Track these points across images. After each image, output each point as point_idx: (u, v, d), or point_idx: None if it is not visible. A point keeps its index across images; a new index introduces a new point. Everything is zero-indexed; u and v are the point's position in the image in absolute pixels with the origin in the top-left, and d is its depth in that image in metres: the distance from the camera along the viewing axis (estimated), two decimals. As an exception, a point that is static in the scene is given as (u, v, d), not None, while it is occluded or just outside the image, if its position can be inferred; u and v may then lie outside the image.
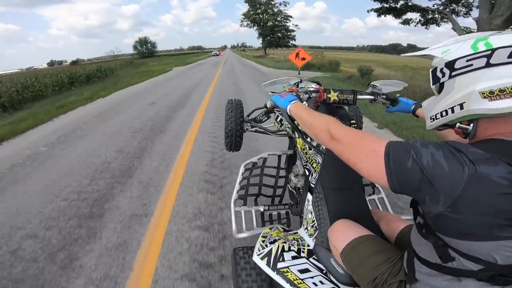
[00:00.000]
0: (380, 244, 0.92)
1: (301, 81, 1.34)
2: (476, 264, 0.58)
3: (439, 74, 0.64)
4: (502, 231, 0.53)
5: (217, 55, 57.83)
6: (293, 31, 49.69)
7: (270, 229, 1.32)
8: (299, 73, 12.35)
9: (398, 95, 1.29)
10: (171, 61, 36.72)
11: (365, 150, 0.64)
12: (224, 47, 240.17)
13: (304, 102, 1.14)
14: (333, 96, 1.15)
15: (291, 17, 50.07)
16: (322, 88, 1.19)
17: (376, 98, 1.27)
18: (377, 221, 1.13)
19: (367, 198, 1.37)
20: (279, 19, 49.29)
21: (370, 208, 1.19)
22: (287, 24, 49.65)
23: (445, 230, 0.60)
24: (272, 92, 1.26)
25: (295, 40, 49.82)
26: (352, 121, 1.22)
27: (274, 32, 49.48)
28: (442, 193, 0.54)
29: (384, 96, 1.27)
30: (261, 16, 49.27)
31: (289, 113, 0.99)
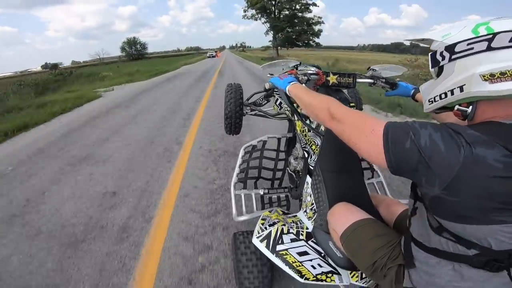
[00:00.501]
0: (380, 227, 0.92)
1: (300, 64, 1.32)
2: (471, 249, 0.59)
3: (438, 58, 0.64)
4: (497, 215, 0.53)
5: (214, 56, 47.94)
6: (319, 23, 35.31)
7: (270, 212, 1.33)
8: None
9: (398, 79, 1.28)
10: (147, 69, 20.64)
11: (365, 130, 0.64)
12: (223, 48, 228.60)
13: (303, 84, 1.12)
14: (332, 79, 1.15)
15: (314, 4, 34.91)
16: (322, 71, 1.18)
17: (375, 81, 1.26)
18: (375, 205, 1.13)
19: (366, 182, 1.37)
20: (298, 7, 34.86)
21: (369, 192, 1.19)
22: (307, 15, 35.50)
23: (441, 213, 0.61)
24: (271, 74, 1.24)
25: (319, 36, 36.33)
26: (351, 104, 1.20)
27: (294, 24, 35.11)
28: (438, 175, 0.54)
29: (384, 80, 1.26)
30: (273, 1, 34.65)
31: (288, 94, 0.98)
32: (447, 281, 0.65)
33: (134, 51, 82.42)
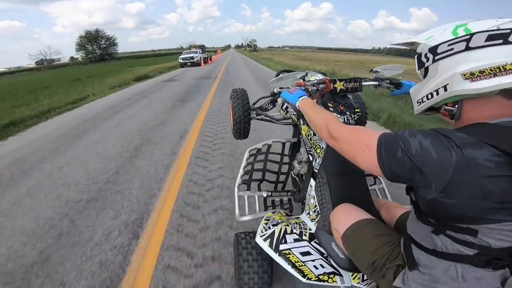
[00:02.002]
0: (381, 228, 0.94)
1: (306, 74, 1.35)
2: (470, 248, 0.61)
3: (423, 59, 0.68)
4: (494, 215, 0.55)
5: (197, 64, 21.44)
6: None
7: (273, 213, 1.35)
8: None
9: (400, 78, 1.31)
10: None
11: (360, 145, 0.68)
12: (228, 47, 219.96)
13: (312, 96, 1.16)
14: (339, 85, 1.19)
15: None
16: (328, 78, 1.22)
17: (380, 83, 1.30)
18: (377, 208, 1.15)
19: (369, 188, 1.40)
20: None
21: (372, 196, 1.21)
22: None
23: (439, 215, 0.62)
24: (281, 88, 1.28)
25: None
26: (356, 110, 1.25)
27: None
28: (433, 179, 0.56)
29: (388, 81, 1.30)
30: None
31: (298, 109, 1.02)
32: (449, 281, 0.66)
33: (98, 50, 58.83)
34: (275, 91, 1.35)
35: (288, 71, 1.72)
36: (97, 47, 58.67)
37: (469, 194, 0.54)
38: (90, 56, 59.51)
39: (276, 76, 1.81)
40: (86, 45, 58.49)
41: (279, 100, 1.30)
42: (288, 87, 1.21)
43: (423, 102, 0.72)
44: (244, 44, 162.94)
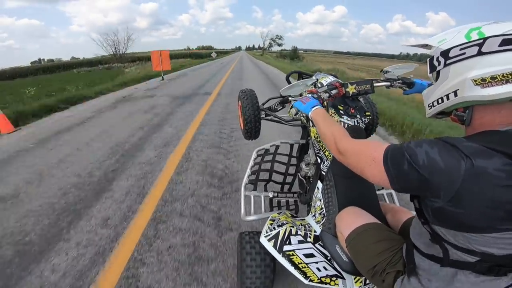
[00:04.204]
0: (385, 232, 0.94)
1: (317, 80, 1.34)
2: (472, 256, 0.60)
3: (435, 63, 0.66)
4: (502, 224, 0.54)
5: None
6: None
7: (279, 213, 1.35)
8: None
9: (412, 76, 1.29)
10: None
11: (367, 159, 0.68)
12: (238, 48, 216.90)
13: (325, 103, 1.16)
14: (352, 89, 1.17)
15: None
16: (339, 82, 1.20)
17: (392, 83, 1.27)
18: (384, 213, 1.14)
19: (377, 192, 1.38)
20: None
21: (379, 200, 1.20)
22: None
23: (444, 223, 0.61)
24: (293, 96, 1.27)
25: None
26: (367, 113, 1.24)
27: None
28: (442, 189, 0.56)
29: (400, 81, 1.27)
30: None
31: (310, 119, 1.02)
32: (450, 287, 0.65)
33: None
34: (289, 99, 1.34)
35: (298, 72, 1.72)
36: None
37: (478, 204, 0.54)
38: None
39: (286, 78, 1.82)
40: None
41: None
42: (300, 95, 1.21)
43: (433, 106, 0.71)
44: (263, 44, 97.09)
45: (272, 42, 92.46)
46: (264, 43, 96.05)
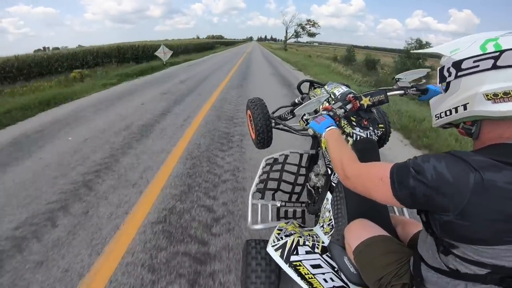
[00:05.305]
0: (394, 245, 0.93)
1: (330, 96, 1.33)
2: (482, 268, 0.58)
3: (446, 73, 0.64)
4: (511, 236, 0.53)
5: None
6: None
7: (286, 223, 1.34)
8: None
9: (423, 81, 1.27)
10: None
11: (374, 181, 0.68)
12: (250, 39, 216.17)
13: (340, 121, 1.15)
14: (366, 101, 1.16)
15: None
16: (353, 96, 1.19)
17: (406, 91, 1.25)
18: (394, 225, 1.13)
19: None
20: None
21: (389, 212, 1.18)
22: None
23: (453, 236, 0.60)
24: (308, 114, 1.27)
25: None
26: (380, 126, 1.23)
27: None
28: (451, 202, 0.55)
29: (414, 88, 1.25)
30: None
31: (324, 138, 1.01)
32: None
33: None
34: (304, 118, 1.33)
35: (309, 81, 1.74)
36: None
37: (487, 217, 0.53)
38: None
39: (298, 87, 1.84)
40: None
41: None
42: (315, 111, 1.20)
43: (441, 117, 0.70)
44: (285, 33, 61.20)
45: (300, 30, 57.75)
46: (286, 32, 60.28)
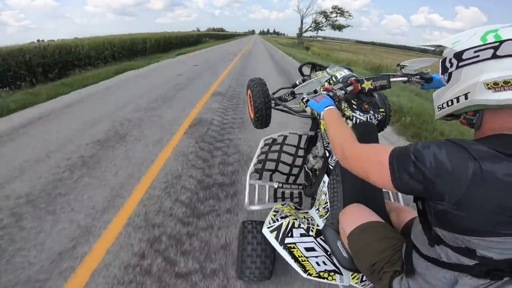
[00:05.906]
0: (388, 231, 0.93)
1: (331, 77, 1.30)
2: (470, 259, 0.59)
3: (447, 64, 0.66)
4: (505, 228, 0.54)
5: None
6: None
7: (282, 205, 1.35)
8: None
9: (429, 70, 1.26)
10: None
11: (373, 163, 0.67)
12: (252, 32, 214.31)
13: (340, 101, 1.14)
14: (368, 85, 1.14)
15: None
16: (355, 78, 1.17)
17: (410, 79, 1.24)
18: (388, 211, 1.13)
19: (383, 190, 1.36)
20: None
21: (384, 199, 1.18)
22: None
23: (446, 226, 0.61)
24: (307, 94, 1.24)
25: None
26: (380, 110, 1.21)
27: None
28: (447, 191, 0.55)
29: (418, 76, 1.24)
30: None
31: (322, 118, 1.00)
32: None
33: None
34: (303, 97, 1.31)
35: (312, 63, 1.67)
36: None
37: (483, 208, 0.53)
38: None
39: (299, 68, 1.77)
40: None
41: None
42: (315, 91, 1.18)
43: (443, 108, 0.70)
44: (301, 24, 43.38)
45: (323, 20, 42.84)
46: (302, 23, 43.95)
